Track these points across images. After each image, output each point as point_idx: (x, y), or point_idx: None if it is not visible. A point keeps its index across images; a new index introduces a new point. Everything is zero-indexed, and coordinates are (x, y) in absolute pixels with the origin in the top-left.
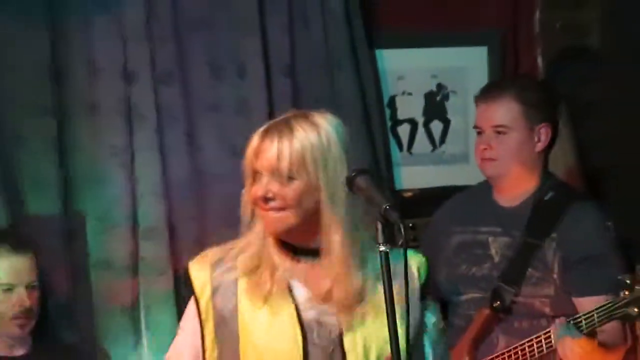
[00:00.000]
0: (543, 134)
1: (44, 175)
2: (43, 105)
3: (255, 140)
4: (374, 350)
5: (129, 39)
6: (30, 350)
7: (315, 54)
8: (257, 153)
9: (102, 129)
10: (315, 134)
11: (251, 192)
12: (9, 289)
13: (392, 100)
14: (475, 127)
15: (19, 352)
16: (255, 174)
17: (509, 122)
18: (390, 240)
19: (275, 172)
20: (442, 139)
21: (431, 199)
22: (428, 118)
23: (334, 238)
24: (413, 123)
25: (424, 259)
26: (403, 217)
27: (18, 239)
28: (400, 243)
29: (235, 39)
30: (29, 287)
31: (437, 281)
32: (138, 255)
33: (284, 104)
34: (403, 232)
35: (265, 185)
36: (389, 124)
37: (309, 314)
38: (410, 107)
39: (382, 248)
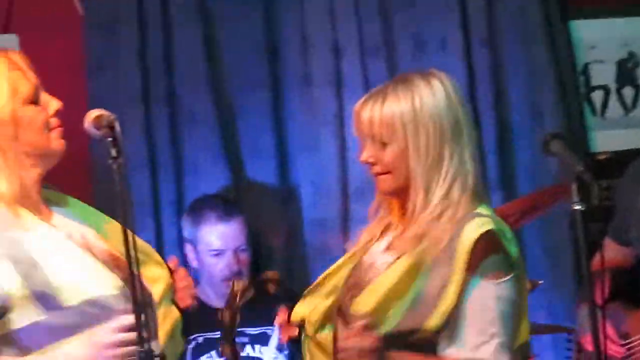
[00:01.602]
0: None
1: (262, 143)
2: (259, 78)
3: (356, 106)
4: None
5: (338, 15)
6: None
7: (512, 26)
8: (357, 119)
9: (314, 99)
10: (409, 100)
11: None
12: (219, 253)
13: (585, 68)
14: None
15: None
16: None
17: None
18: (584, 199)
19: (371, 138)
20: (634, 104)
21: (624, 161)
22: (620, 84)
23: (416, 201)
24: (606, 89)
25: None
26: (597, 178)
27: (227, 207)
28: (594, 202)
29: (437, 14)
30: (237, 251)
31: (626, 238)
32: (349, 216)
33: (483, 73)
34: (597, 192)
35: (367, 150)
36: (582, 90)
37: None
38: (603, 75)
39: (576, 207)
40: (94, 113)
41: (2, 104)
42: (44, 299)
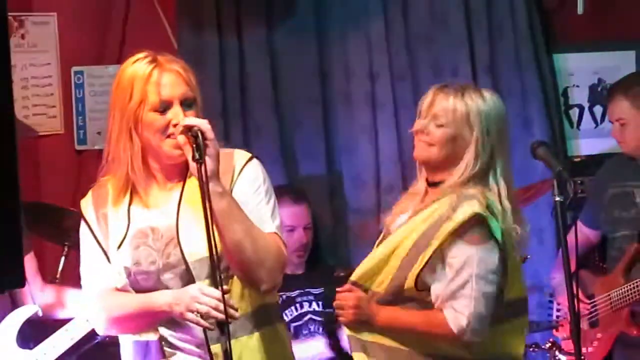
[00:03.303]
0: None
1: (314, 147)
2: (312, 97)
3: (434, 89)
4: None
5: (373, 49)
6: (305, 271)
7: (508, 57)
8: (431, 98)
9: (354, 114)
10: (475, 101)
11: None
12: (291, 230)
13: (565, 91)
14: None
15: (298, 272)
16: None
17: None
18: (563, 193)
19: (433, 117)
20: (602, 119)
21: (594, 163)
22: (592, 103)
23: (448, 175)
24: (580, 107)
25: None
26: (573, 176)
27: (295, 193)
28: (571, 195)
29: (450, 48)
30: (305, 229)
31: (594, 222)
32: (380, 205)
33: None
34: (572, 187)
35: (421, 122)
36: (562, 108)
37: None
38: (578, 96)
39: (557, 198)
40: (180, 125)
41: (132, 105)
42: None
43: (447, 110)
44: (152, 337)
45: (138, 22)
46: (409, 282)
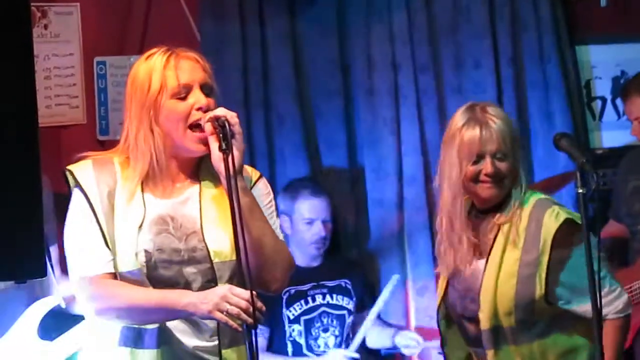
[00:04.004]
0: None
1: (335, 139)
2: (334, 88)
3: (467, 130)
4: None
5: (395, 40)
6: (322, 263)
7: (531, 49)
8: (472, 139)
9: (376, 105)
10: (509, 121)
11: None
12: (310, 222)
13: (588, 83)
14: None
15: (315, 264)
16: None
17: None
18: (585, 185)
19: (491, 153)
20: (624, 111)
21: (616, 155)
22: (614, 96)
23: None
24: (603, 100)
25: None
26: (595, 168)
27: (317, 187)
28: (593, 187)
29: (473, 40)
30: (324, 222)
31: (619, 216)
32: (403, 196)
33: (508, 86)
34: (595, 179)
35: (490, 164)
36: (585, 100)
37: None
38: (601, 88)
39: (580, 190)
40: (210, 114)
41: (151, 93)
42: None
43: (498, 139)
44: (149, 325)
45: (160, 12)
46: (539, 304)
